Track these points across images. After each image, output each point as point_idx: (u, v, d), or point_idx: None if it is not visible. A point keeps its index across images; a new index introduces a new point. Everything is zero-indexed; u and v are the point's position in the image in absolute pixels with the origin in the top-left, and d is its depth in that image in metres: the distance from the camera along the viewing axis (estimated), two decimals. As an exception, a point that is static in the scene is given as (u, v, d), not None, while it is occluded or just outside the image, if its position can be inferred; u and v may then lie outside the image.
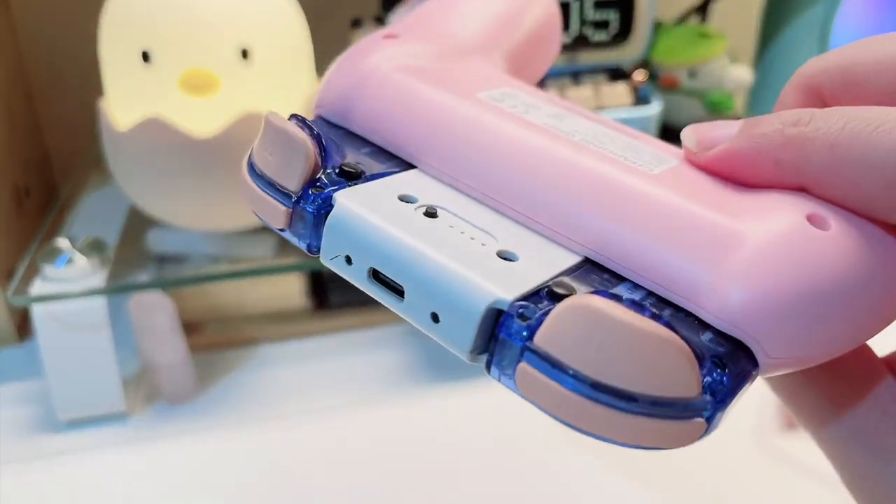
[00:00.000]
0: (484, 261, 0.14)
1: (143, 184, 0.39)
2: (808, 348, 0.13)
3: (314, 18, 0.41)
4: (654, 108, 0.44)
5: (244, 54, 0.37)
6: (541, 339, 0.12)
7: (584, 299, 0.12)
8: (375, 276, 0.15)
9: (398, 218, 0.15)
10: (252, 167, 0.17)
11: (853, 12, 0.49)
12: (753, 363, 0.13)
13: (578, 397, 0.12)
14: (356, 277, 0.15)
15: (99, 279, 0.37)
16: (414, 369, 0.42)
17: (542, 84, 0.45)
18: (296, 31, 0.39)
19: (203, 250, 0.42)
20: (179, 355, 0.39)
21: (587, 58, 0.45)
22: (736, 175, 0.15)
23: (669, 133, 0.47)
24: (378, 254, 0.15)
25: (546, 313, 0.13)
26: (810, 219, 0.14)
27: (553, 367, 0.12)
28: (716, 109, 0.48)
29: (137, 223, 0.43)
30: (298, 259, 0.42)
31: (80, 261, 0.37)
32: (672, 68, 0.49)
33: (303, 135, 0.16)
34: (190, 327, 0.43)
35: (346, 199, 0.15)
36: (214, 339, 0.44)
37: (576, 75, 0.46)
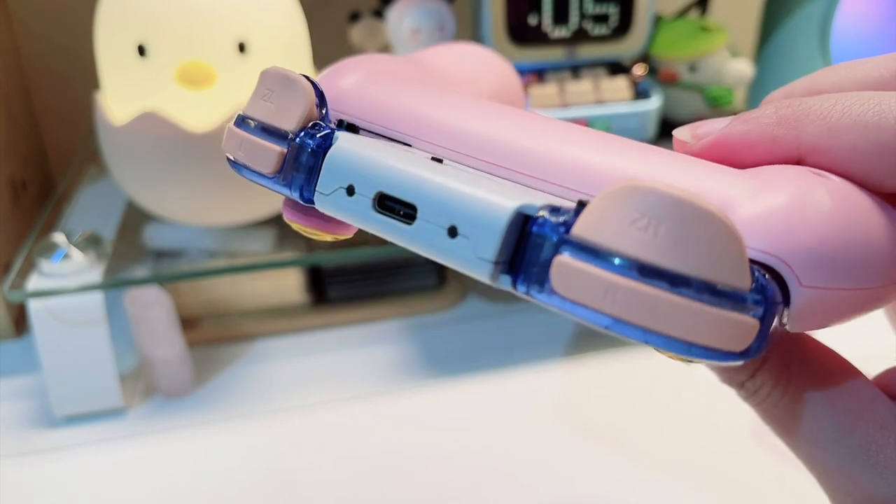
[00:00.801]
0: (502, 185, 0.14)
1: (139, 178, 0.39)
2: (838, 279, 0.13)
3: (312, 11, 0.41)
4: (654, 103, 0.44)
5: (241, 48, 0.37)
6: (580, 229, 0.12)
7: (632, 181, 0.11)
8: (381, 203, 0.14)
9: (405, 154, 0.15)
10: (241, 120, 0.17)
11: (853, 5, 0.48)
12: (786, 294, 0.13)
13: (626, 281, 0.11)
14: (358, 209, 0.15)
15: (96, 274, 0.37)
16: (412, 364, 0.42)
17: (541, 78, 0.45)
18: (293, 25, 0.39)
19: (200, 245, 0.42)
20: (177, 350, 0.39)
21: (587, 52, 0.45)
22: (732, 157, 0.15)
23: (669, 127, 0.46)
24: (386, 176, 0.14)
25: (578, 213, 0.12)
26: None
27: (596, 254, 0.11)
28: (716, 104, 0.48)
29: (134, 218, 0.43)
30: (297, 254, 0.42)
31: (77, 256, 0.37)
32: (672, 62, 0.49)
33: (303, 78, 0.16)
34: (187, 322, 0.43)
35: (348, 137, 0.15)
36: (212, 334, 0.44)
37: (575, 69, 0.46)
